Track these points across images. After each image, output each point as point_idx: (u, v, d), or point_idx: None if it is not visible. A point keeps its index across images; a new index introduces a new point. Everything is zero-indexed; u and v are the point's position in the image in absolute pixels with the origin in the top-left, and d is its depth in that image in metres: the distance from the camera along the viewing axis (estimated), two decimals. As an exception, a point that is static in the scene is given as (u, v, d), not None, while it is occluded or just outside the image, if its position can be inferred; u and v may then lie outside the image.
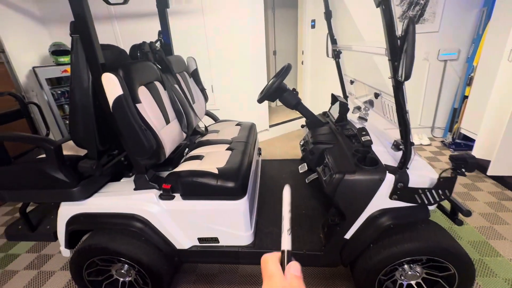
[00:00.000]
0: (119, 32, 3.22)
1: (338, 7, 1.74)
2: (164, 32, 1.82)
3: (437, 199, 1.13)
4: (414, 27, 0.77)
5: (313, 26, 3.70)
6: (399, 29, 0.87)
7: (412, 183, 1.12)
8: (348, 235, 1.23)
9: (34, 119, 2.12)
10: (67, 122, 3.08)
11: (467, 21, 2.97)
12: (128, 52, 1.59)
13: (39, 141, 1.16)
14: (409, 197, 1.14)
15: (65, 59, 2.98)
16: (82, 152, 1.40)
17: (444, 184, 1.10)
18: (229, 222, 1.30)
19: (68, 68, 2.93)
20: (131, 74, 1.20)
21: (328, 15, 1.73)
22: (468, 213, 1.13)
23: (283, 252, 0.36)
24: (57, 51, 2.96)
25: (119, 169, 1.51)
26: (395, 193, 1.13)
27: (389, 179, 1.12)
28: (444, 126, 3.45)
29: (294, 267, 0.33)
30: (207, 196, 1.27)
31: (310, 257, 1.31)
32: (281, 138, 3.91)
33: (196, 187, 1.26)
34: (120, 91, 1.07)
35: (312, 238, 1.38)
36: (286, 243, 0.37)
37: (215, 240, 1.35)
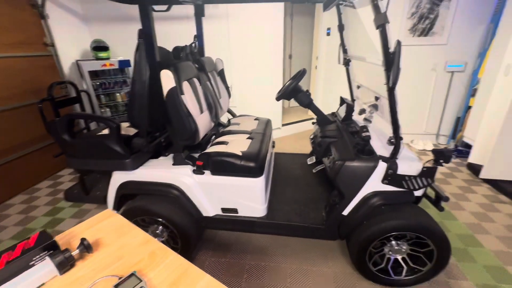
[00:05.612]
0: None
1: (352, 21, 2.00)
2: (199, 37, 2.14)
3: (421, 185, 1.38)
4: (400, 48, 1.03)
5: (328, 34, 3.95)
6: (392, 45, 1.14)
7: (400, 171, 1.37)
8: (345, 212, 1.50)
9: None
10: (102, 110, 3.45)
11: (475, 35, 3.16)
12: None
13: (105, 119, 1.49)
14: (397, 182, 1.39)
15: (104, 54, 3.35)
16: (131, 132, 1.73)
17: (427, 173, 1.35)
18: (248, 196, 1.59)
19: (107, 62, 3.30)
20: (179, 71, 1.51)
21: (341, 27, 2.00)
22: (446, 198, 1.37)
23: None
24: (97, 47, 3.34)
25: (158, 149, 1.83)
26: (386, 178, 1.39)
27: (382, 166, 1.38)
28: (449, 134, 3.63)
29: None
30: (232, 173, 1.57)
31: (312, 230, 1.58)
32: (292, 136, 4.18)
33: (224, 165, 1.56)
34: (173, 84, 1.38)
35: (315, 215, 1.65)
36: None
37: (235, 211, 1.64)
